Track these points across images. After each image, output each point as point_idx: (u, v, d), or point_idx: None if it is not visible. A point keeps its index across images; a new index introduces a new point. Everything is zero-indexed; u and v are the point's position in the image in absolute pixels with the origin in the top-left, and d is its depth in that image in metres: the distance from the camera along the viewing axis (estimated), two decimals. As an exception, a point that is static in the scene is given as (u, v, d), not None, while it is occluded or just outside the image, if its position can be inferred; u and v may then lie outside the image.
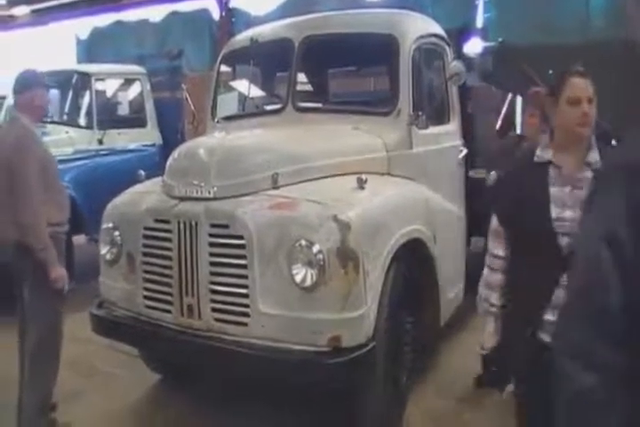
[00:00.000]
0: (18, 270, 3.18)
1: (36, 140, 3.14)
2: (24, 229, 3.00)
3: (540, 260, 2.00)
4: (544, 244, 1.99)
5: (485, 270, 2.25)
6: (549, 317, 1.97)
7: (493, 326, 2.23)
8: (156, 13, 11.65)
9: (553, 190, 2.01)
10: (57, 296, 3.12)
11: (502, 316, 2.20)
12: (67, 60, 11.72)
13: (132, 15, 11.96)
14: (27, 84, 3.19)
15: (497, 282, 2.20)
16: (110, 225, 3.31)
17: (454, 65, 3.74)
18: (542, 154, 2.08)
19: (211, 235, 2.85)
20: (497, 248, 2.20)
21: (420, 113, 3.68)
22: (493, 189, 2.32)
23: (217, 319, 2.84)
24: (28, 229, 2.99)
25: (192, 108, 6.91)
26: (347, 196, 2.90)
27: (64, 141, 5.78)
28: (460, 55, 4.53)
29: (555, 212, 1.98)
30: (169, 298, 2.98)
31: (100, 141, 6.19)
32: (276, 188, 2.98)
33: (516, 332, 2.10)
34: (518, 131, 6.33)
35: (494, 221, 2.21)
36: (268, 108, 4.30)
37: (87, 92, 6.30)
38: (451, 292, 3.77)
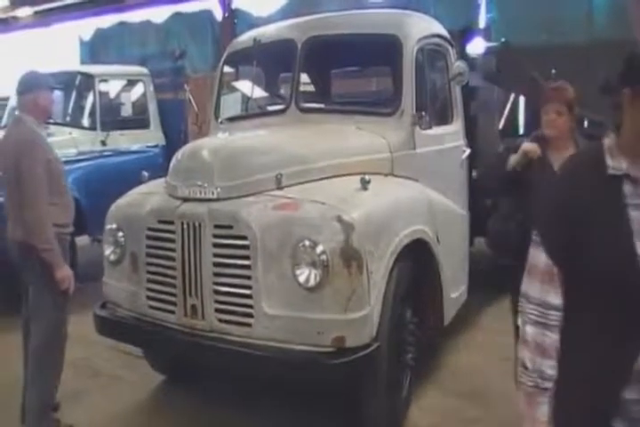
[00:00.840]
0: (23, 271, 3.19)
1: (42, 142, 3.14)
2: (30, 230, 3.01)
3: (616, 313, 1.44)
4: (623, 291, 1.42)
5: (531, 329, 1.54)
6: (631, 395, 1.43)
7: (547, 409, 1.52)
8: (158, 14, 11.72)
9: (634, 215, 1.42)
10: (62, 297, 3.12)
11: (556, 394, 1.53)
12: (70, 61, 11.77)
13: (134, 16, 12.03)
14: (30, 85, 3.19)
15: (555, 344, 1.52)
16: (114, 226, 3.31)
17: (457, 65, 3.74)
18: (615, 164, 1.47)
19: (214, 235, 2.85)
20: (551, 295, 1.52)
21: (423, 113, 3.69)
22: (539, 209, 1.74)
23: (220, 320, 2.84)
24: (34, 229, 3.00)
25: (195, 108, 6.93)
26: (350, 196, 2.90)
27: (67, 143, 5.78)
28: (462, 55, 4.53)
29: None
30: (172, 299, 2.98)
31: (104, 143, 6.20)
32: (279, 188, 2.98)
33: (578, 417, 1.50)
34: (521, 131, 6.36)
35: (542, 257, 1.53)
36: (272, 108, 4.30)
37: (90, 94, 6.31)
38: (454, 291, 3.76)
